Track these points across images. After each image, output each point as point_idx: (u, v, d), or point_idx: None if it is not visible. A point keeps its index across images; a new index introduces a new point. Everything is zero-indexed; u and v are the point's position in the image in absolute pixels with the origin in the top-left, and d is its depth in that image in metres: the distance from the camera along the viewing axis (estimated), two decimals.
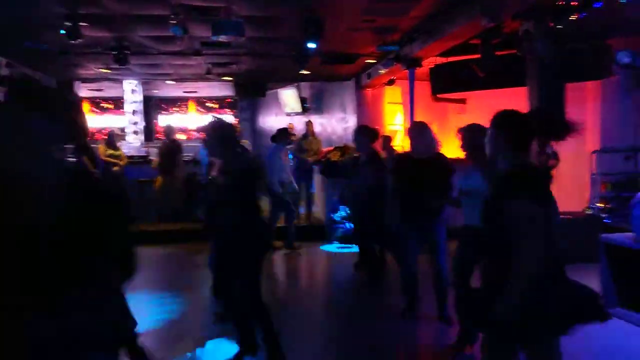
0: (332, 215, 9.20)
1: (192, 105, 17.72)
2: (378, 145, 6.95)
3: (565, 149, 10.25)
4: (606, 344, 4.84)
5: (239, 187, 3.99)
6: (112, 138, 10.59)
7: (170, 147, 10.38)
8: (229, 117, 17.77)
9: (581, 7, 5.66)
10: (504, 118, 2.81)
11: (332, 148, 10.53)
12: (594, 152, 8.73)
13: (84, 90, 14.64)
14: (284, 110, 15.10)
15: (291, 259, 8.60)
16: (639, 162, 8.07)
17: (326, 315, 5.96)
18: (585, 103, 10.53)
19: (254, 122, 17.96)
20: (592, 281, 5.74)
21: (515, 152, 2.73)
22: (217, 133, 4.03)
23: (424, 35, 8.32)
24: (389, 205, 5.25)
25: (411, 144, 5.19)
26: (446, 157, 5.23)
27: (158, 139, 14.88)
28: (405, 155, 5.51)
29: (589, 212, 8.50)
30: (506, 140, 2.74)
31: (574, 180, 10.05)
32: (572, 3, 5.68)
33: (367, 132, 6.52)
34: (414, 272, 5.24)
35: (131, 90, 13.87)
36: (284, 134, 8.77)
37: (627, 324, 5.26)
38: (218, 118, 4.22)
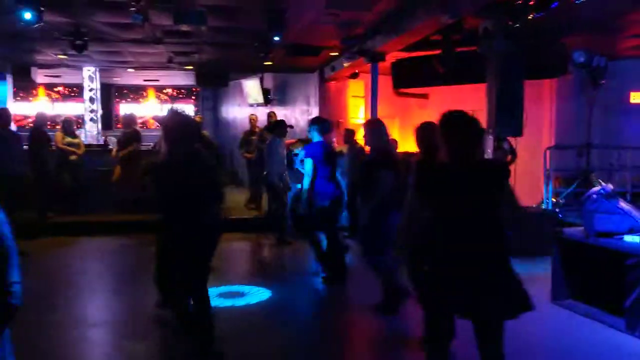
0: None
1: (152, 94, 17.45)
2: (339, 137, 7.03)
3: (522, 145, 10.55)
4: (555, 335, 5.01)
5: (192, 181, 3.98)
6: (69, 125, 10.33)
7: (130, 136, 10.20)
8: (190, 107, 17.60)
9: (538, 7, 5.79)
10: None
11: (295, 140, 10.53)
12: (547, 148, 8.97)
13: (41, 77, 14.27)
14: (247, 101, 15.02)
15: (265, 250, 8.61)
16: (592, 158, 8.32)
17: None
18: (542, 100, 10.81)
19: (217, 112, 17.82)
20: (546, 273, 5.95)
21: None
22: (176, 125, 3.93)
23: (387, 30, 8.38)
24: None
25: (365, 140, 5.33)
26: (399, 156, 5.37)
27: (118, 127, 14.62)
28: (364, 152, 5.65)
29: (543, 206, 8.74)
30: None
31: (530, 175, 10.32)
32: (529, 2, 5.81)
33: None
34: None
35: (89, 77, 13.58)
36: (281, 125, 8.77)
37: (576, 315, 5.45)
38: (177, 109, 4.14)
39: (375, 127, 5.39)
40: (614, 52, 9.38)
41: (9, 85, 13.20)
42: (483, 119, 8.69)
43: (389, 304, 5.25)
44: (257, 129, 11.06)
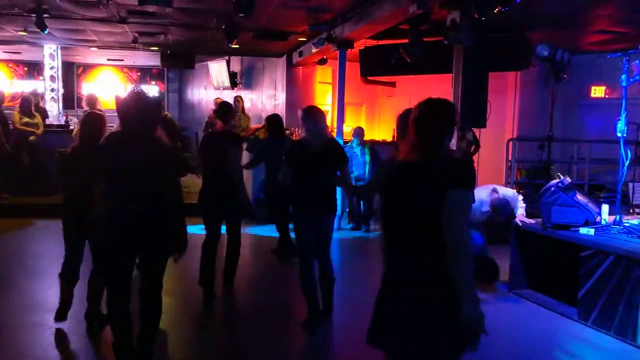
0: (259, 195, 9.10)
1: (117, 74, 17.08)
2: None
3: (486, 136, 10.69)
4: (511, 324, 5.13)
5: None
6: (27, 104, 10.00)
7: (95, 117, 9.93)
8: (155, 88, 17.30)
9: (504, 1, 5.86)
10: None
11: (261, 125, 10.46)
12: (510, 140, 9.12)
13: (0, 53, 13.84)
14: (213, 84, 14.85)
15: None
16: (552, 151, 8.50)
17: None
18: (506, 93, 10.96)
19: (182, 94, 17.57)
20: (505, 262, 6.09)
21: None
22: (137, 106, 3.63)
23: (355, 17, 8.36)
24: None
25: (303, 128, 4.92)
26: (339, 145, 5.07)
27: (80, 107, 14.27)
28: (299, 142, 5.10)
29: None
30: None
31: (492, 166, 10.49)
32: None
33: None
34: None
35: (50, 55, 13.20)
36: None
37: (532, 304, 5.59)
38: (140, 89, 3.92)
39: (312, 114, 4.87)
40: (577, 46, 9.56)
41: None
42: None
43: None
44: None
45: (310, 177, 4.68)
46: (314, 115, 4.75)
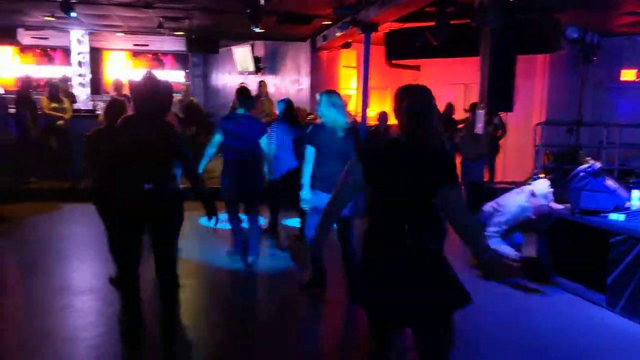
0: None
1: (141, 59, 17.18)
2: None
3: (513, 120, 10.52)
4: (538, 311, 5.07)
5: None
6: (55, 89, 10.12)
7: (119, 102, 10.03)
8: (180, 73, 17.37)
9: None
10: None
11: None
12: (538, 124, 8.96)
13: (27, 39, 13.98)
14: (237, 69, 14.85)
15: None
16: (581, 135, 8.33)
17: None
18: (534, 76, 10.77)
19: (207, 79, 17.62)
20: (532, 249, 6.00)
21: None
22: (147, 90, 3.80)
23: (381, 0, 8.27)
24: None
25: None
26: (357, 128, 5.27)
27: (107, 92, 14.40)
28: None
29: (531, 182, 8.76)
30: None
31: (519, 150, 10.34)
32: None
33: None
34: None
35: (77, 41, 13.32)
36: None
37: (560, 291, 5.51)
38: (151, 74, 3.98)
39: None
40: (607, 28, 9.33)
41: None
42: (475, 93, 8.68)
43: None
44: None
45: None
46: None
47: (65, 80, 12.18)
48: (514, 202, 5.66)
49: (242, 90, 6.20)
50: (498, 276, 2.82)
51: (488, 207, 5.90)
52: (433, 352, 2.72)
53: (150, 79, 3.83)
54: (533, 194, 5.62)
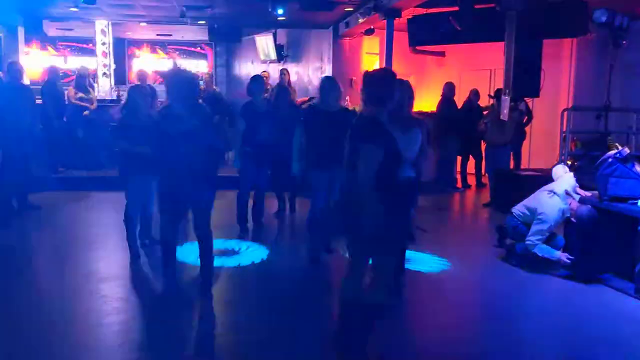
0: None
1: (164, 49, 17.27)
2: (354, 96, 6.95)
3: (539, 106, 10.33)
4: (565, 298, 5.01)
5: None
6: (82, 79, 10.23)
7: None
8: (203, 63, 17.43)
9: None
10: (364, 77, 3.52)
11: (307, 98, 10.42)
12: (565, 110, 8.79)
13: (53, 30, 14.14)
14: (260, 58, 14.83)
15: None
16: (609, 121, 8.15)
17: None
18: (561, 61, 10.56)
19: (230, 68, 17.65)
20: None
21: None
22: (176, 81, 4.25)
23: None
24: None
25: (321, 97, 5.58)
26: (352, 112, 5.68)
27: (131, 82, 14.52)
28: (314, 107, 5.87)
29: None
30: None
31: (546, 136, 10.17)
32: None
33: None
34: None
35: (101, 31, 13.44)
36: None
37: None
38: (179, 65, 4.30)
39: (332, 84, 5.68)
40: (637, 12, 9.07)
41: (20, 38, 13.10)
42: (500, 79, 8.55)
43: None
44: (269, 86, 10.93)
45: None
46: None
47: (85, 70, 12.32)
48: (552, 207, 5.46)
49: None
50: None
51: (517, 211, 5.80)
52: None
53: (177, 70, 4.39)
54: (569, 194, 5.49)
